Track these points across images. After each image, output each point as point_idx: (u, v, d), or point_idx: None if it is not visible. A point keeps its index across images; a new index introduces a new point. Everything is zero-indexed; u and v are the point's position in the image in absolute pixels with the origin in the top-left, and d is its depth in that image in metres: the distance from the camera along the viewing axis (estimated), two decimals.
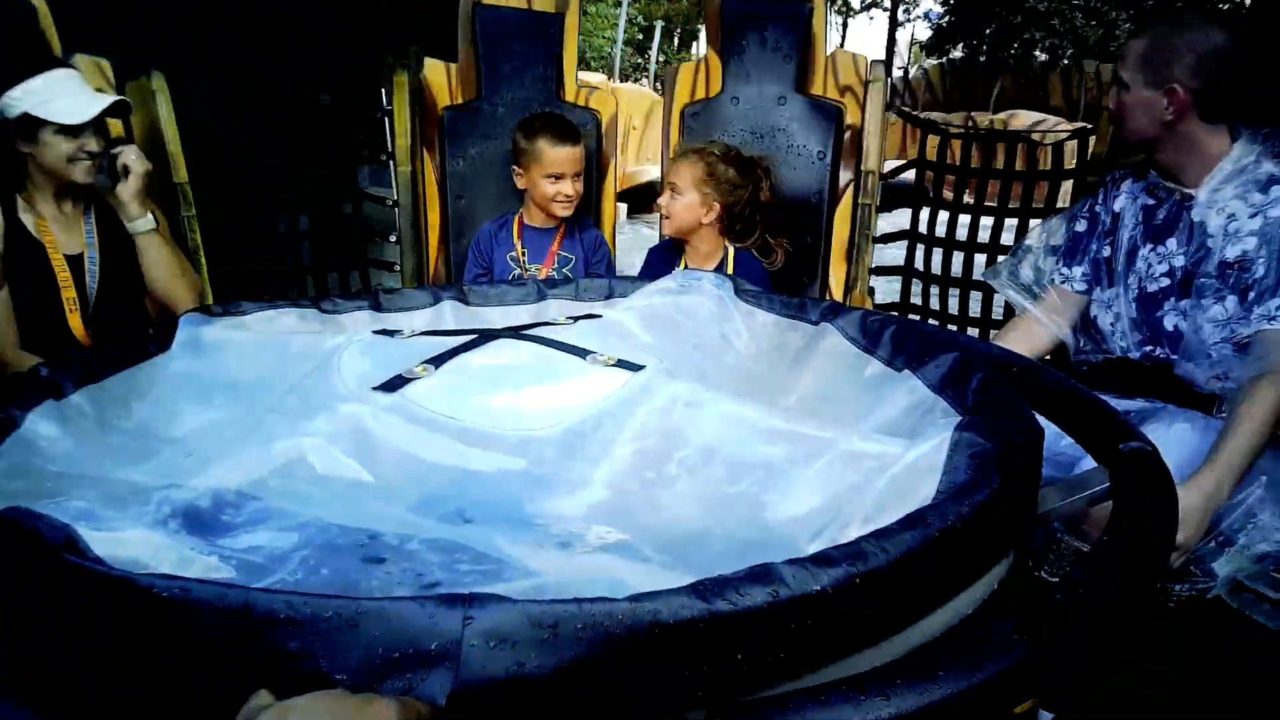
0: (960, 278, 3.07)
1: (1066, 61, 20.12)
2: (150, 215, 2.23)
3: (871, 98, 2.87)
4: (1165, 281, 1.99)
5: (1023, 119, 15.59)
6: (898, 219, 3.15)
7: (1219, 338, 1.89)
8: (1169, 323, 1.99)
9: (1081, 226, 2.18)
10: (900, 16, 25.51)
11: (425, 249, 2.98)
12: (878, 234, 3.00)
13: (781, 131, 2.94)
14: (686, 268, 2.60)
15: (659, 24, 17.50)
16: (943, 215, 3.09)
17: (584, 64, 16.05)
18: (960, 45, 22.20)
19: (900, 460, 0.96)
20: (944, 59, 21.73)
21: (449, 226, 2.97)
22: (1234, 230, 1.87)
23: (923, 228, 3.13)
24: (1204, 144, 1.92)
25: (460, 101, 2.97)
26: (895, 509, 0.88)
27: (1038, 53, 21.40)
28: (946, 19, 22.22)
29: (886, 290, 3.24)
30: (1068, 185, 2.86)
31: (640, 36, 19.46)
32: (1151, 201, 2.04)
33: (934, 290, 3.16)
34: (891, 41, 24.22)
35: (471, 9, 2.94)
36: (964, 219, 3.06)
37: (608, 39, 16.60)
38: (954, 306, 3.13)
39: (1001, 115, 16.16)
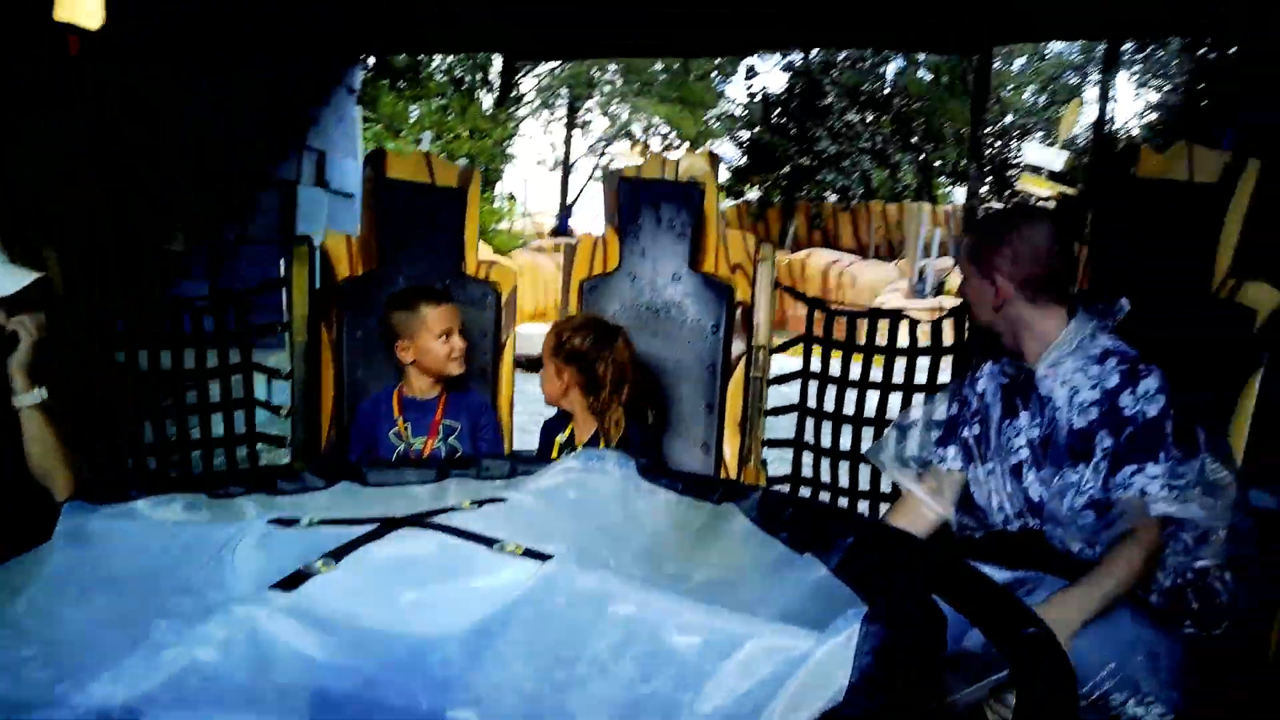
0: (849, 451, 3.15)
1: (856, 202, 22.18)
2: (36, 390, 2.13)
3: (761, 275, 3.00)
4: (1025, 453, 2.11)
5: (819, 258, 17.03)
6: (789, 391, 3.25)
7: (1080, 505, 1.99)
8: (1034, 493, 2.09)
9: (954, 409, 2.31)
10: None
11: (318, 423, 2.92)
12: (769, 407, 3.08)
13: (676, 307, 3.04)
14: (571, 436, 2.64)
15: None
16: (831, 389, 3.19)
17: None
18: (755, 187, 23.40)
19: (813, 655, 0.96)
20: (740, 199, 23.36)
21: (344, 400, 2.94)
22: (1078, 402, 2.01)
23: (812, 401, 3.23)
24: (1037, 324, 2.09)
25: (360, 273, 2.98)
26: (809, 705, 0.89)
27: (829, 194, 22.71)
28: (743, 160, 23.54)
29: (780, 461, 3.30)
30: (947, 360, 3.01)
31: None
32: (1005, 379, 2.18)
33: (825, 462, 3.24)
34: None
35: (373, 184, 2.99)
36: (851, 393, 3.17)
37: None
38: (844, 479, 3.20)
39: (799, 255, 17.82)
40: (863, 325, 3.23)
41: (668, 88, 24.90)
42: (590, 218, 28.86)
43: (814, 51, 23.92)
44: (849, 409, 3.16)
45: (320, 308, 2.93)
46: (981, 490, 2.22)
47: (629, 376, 2.61)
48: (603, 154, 26.75)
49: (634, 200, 3.05)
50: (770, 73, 30.34)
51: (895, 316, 3.11)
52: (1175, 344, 2.20)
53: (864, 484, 3.15)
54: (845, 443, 3.16)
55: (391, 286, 2.97)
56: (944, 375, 2.88)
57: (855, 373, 3.15)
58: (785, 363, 3.25)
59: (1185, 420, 1.99)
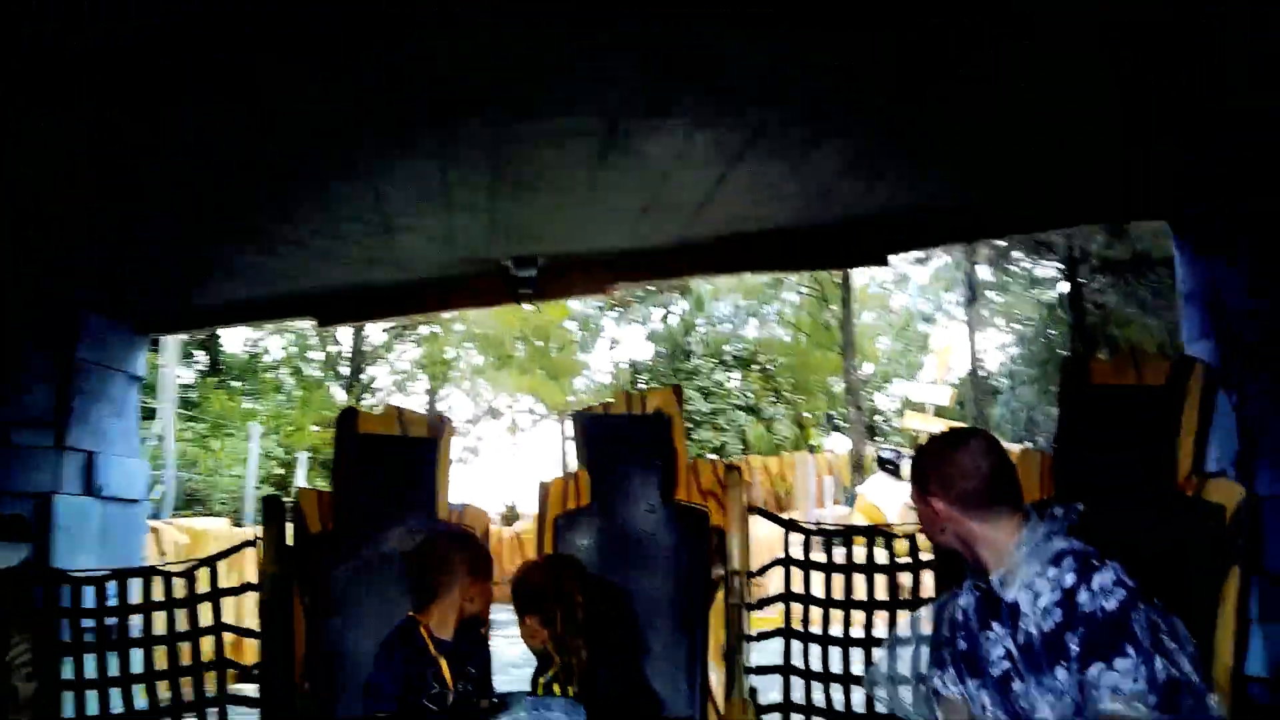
0: (841, 674, 3.08)
1: (736, 458, 21.81)
2: None
3: (731, 501, 3.03)
4: (1005, 665, 2.08)
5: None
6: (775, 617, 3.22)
7: (1061, 713, 1.94)
8: (1021, 704, 2.04)
9: (941, 629, 2.29)
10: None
11: (290, 682, 2.87)
12: (752, 633, 3.03)
13: (651, 537, 3.06)
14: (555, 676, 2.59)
15: (304, 455, 15.56)
16: (816, 612, 3.16)
17: (204, 506, 13.78)
18: None
19: None
20: None
21: (316, 658, 2.90)
22: (1041, 607, 2.00)
23: (797, 624, 3.19)
24: (987, 536, 2.11)
25: (332, 528, 3.02)
26: None
27: (707, 454, 22.52)
28: None
29: (770, 688, 3.22)
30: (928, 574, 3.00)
31: (282, 471, 16.85)
32: (978, 593, 2.18)
33: (817, 684, 3.15)
34: None
35: (345, 435, 3.08)
36: (836, 613, 3.13)
37: (236, 476, 14.37)
38: (839, 700, 3.11)
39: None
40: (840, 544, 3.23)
41: (529, 361, 24.35)
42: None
43: (674, 318, 26.04)
44: (835, 629, 3.12)
45: (295, 563, 2.94)
46: (978, 706, 2.17)
47: (579, 610, 2.58)
48: (468, 434, 26.01)
49: (602, 436, 3.13)
50: (634, 340, 30.63)
51: (871, 533, 3.13)
52: (1145, 545, 2.22)
53: (858, 706, 3.06)
54: (836, 664, 3.10)
55: (366, 538, 2.99)
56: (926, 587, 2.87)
57: (838, 592, 3.13)
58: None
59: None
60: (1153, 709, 1.83)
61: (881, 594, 3.07)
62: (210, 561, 3.05)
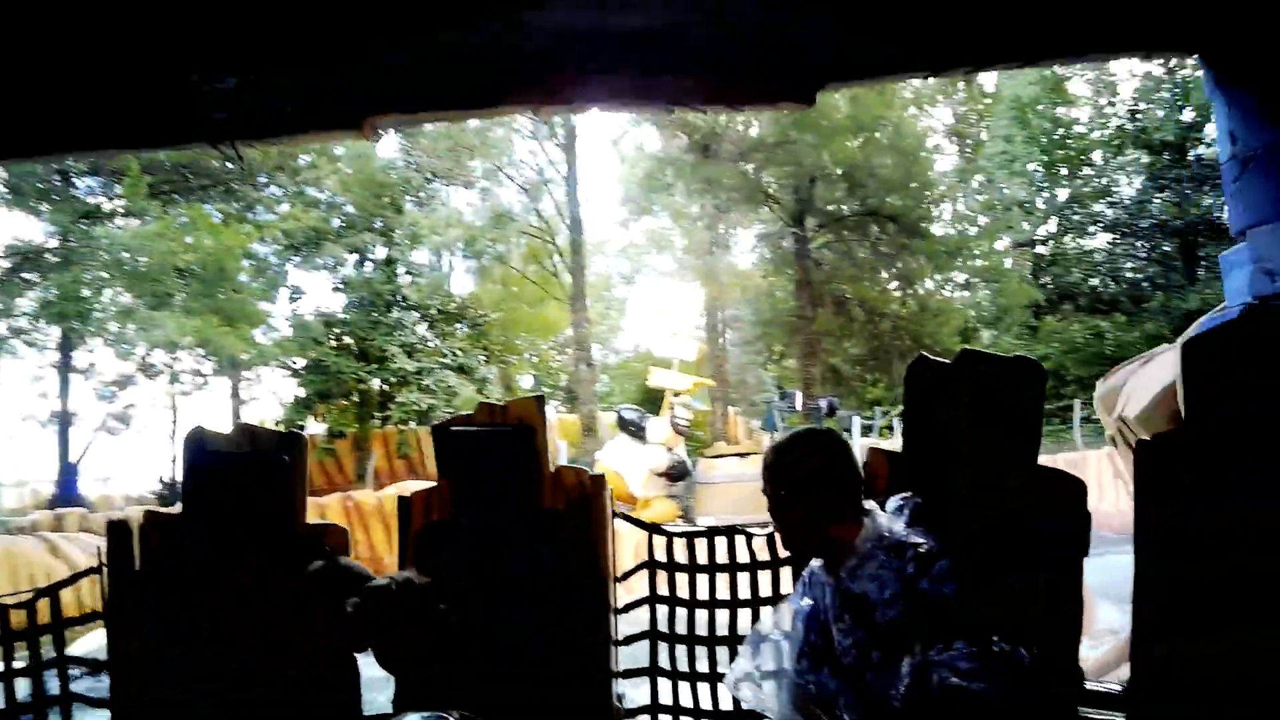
0: (707, 672, 3.17)
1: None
2: None
3: (597, 508, 3.09)
4: (855, 652, 2.21)
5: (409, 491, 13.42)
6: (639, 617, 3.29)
7: (907, 695, 2.08)
8: (872, 690, 2.17)
9: (794, 620, 2.40)
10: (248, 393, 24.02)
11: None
12: (619, 637, 3.10)
13: (514, 548, 3.08)
14: None
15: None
16: (681, 612, 3.24)
17: None
18: (320, 418, 21.71)
19: None
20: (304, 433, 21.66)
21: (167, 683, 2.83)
22: (886, 596, 2.14)
23: (663, 626, 3.27)
24: (835, 532, 2.24)
25: (178, 552, 2.94)
26: None
27: (411, 421, 21.10)
28: (301, 390, 21.77)
29: (640, 691, 3.29)
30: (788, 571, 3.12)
31: None
32: (829, 586, 2.30)
33: (685, 686, 3.24)
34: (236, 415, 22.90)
35: (196, 459, 3.01)
36: (702, 614, 3.22)
37: None
38: (705, 700, 3.20)
39: (387, 491, 13.29)
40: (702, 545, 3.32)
41: (195, 299, 19.00)
42: (98, 479, 22.41)
43: (368, 265, 23.32)
44: (701, 629, 3.21)
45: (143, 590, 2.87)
46: (832, 694, 2.28)
47: (421, 634, 2.56)
48: (114, 398, 20.63)
49: (463, 447, 3.14)
50: (324, 292, 28.41)
51: (732, 533, 3.23)
52: (996, 531, 2.39)
53: (727, 705, 3.16)
54: (703, 664, 3.19)
55: (217, 564, 2.93)
56: (786, 585, 2.99)
57: (703, 592, 3.23)
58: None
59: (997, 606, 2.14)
60: (986, 684, 1.98)
61: (744, 593, 3.17)
62: (52, 591, 2.93)
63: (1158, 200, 31.52)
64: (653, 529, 3.26)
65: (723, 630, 3.21)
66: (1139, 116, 32.01)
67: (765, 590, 3.15)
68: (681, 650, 3.25)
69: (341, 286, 22.99)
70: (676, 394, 11.70)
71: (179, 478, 3.61)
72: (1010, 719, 2.00)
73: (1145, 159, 32.01)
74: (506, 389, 25.26)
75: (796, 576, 3.01)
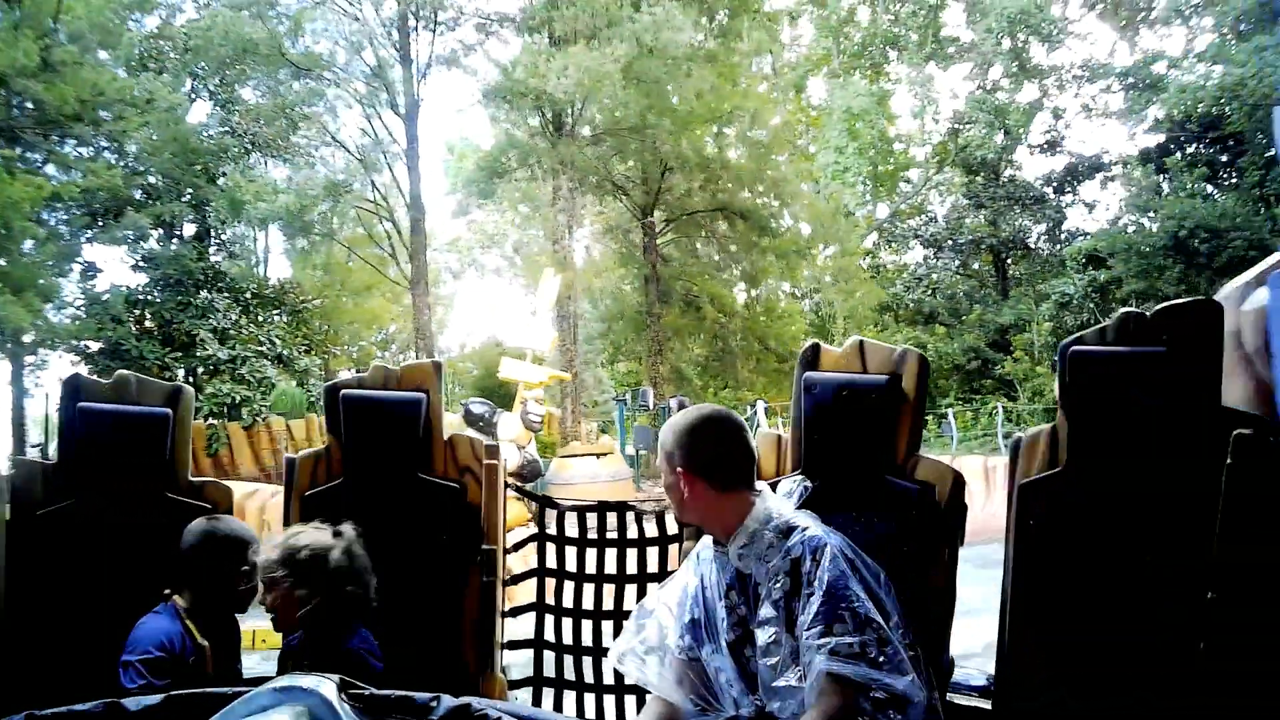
0: (592, 646, 3.23)
1: (263, 419, 19.11)
2: None
3: (490, 477, 3.10)
4: (739, 630, 2.28)
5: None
6: (525, 591, 3.32)
7: (791, 678, 2.16)
8: (753, 669, 2.25)
9: (680, 596, 2.46)
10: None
11: None
12: (506, 608, 3.12)
13: (405, 514, 3.06)
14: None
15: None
16: (569, 585, 3.28)
17: None
18: None
19: None
20: None
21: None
22: (771, 573, 2.21)
23: (550, 599, 3.30)
24: (727, 509, 2.31)
25: (57, 503, 2.85)
26: None
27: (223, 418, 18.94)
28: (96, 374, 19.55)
29: (525, 665, 3.32)
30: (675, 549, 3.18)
31: None
32: (718, 563, 2.37)
33: (569, 660, 3.28)
34: None
35: (72, 410, 2.91)
36: (589, 588, 3.27)
37: None
38: (589, 674, 3.26)
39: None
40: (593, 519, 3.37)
41: None
42: None
43: (176, 240, 21.64)
44: (588, 604, 3.26)
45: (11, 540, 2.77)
46: (714, 672, 2.35)
47: (325, 588, 2.54)
48: None
49: (356, 411, 3.11)
50: (124, 268, 24.61)
51: (623, 509, 3.28)
52: (867, 520, 2.48)
53: (609, 679, 3.22)
54: (588, 638, 3.24)
55: (85, 514, 2.85)
56: (673, 563, 3.06)
57: (590, 567, 3.27)
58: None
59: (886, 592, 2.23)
60: (865, 667, 2.07)
61: (632, 569, 3.23)
62: None
63: (973, 218, 33.27)
64: (545, 501, 3.29)
65: (609, 605, 3.26)
66: (959, 136, 33.56)
67: (653, 567, 3.22)
68: (567, 624, 3.29)
69: (145, 263, 21.10)
70: (529, 387, 10.69)
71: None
72: (883, 704, 2.10)
73: (961, 178, 33.57)
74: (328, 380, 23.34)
75: (683, 554, 3.10)
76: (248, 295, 21.61)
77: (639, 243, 26.40)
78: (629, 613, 2.70)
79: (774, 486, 2.41)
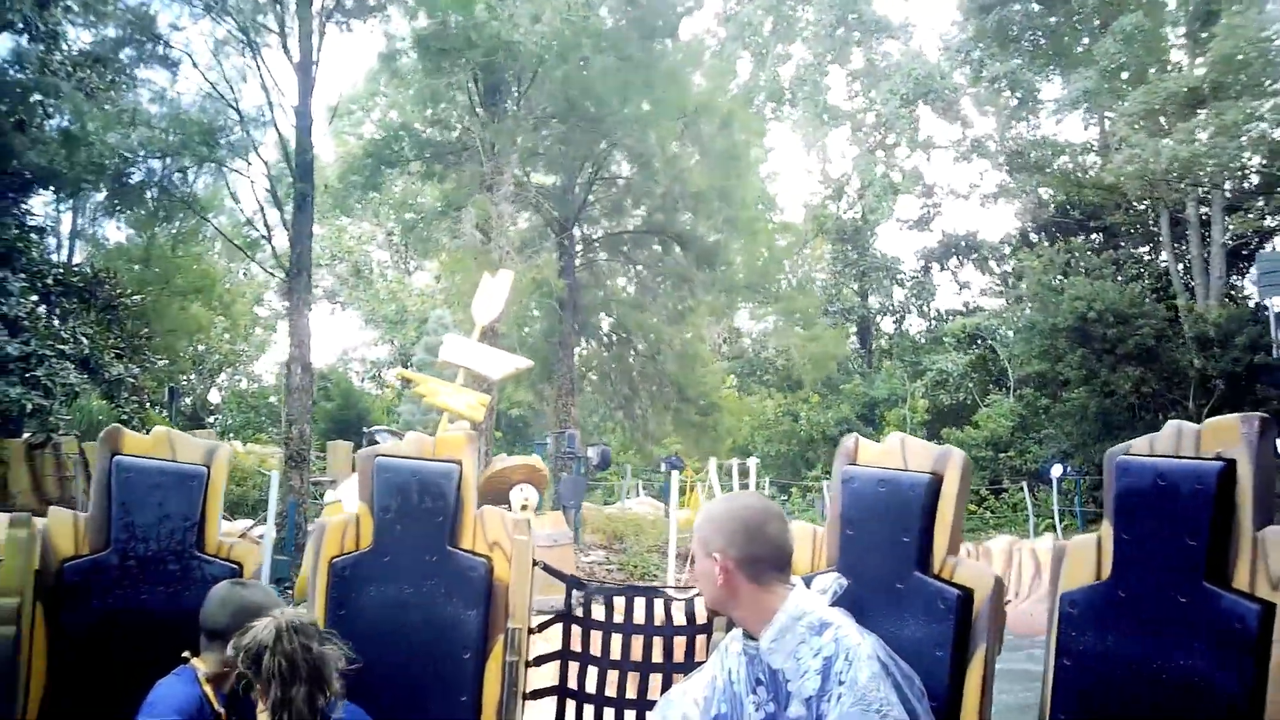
0: None
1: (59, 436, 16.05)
2: None
3: (518, 554, 3.13)
4: None
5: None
6: (547, 673, 3.32)
7: None
8: None
9: (708, 691, 2.47)
10: None
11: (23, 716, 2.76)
12: (528, 690, 3.13)
13: (431, 587, 3.10)
14: None
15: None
16: (592, 670, 3.29)
17: None
18: None
19: None
20: None
21: (53, 698, 2.79)
22: (802, 673, 2.22)
23: (573, 683, 3.30)
24: (760, 600, 2.33)
25: (86, 553, 2.92)
26: None
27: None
28: None
29: None
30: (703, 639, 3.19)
31: None
32: (746, 656, 2.38)
33: None
34: None
35: (108, 462, 2.99)
36: (613, 675, 3.27)
37: None
38: None
39: None
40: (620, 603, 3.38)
41: None
42: None
43: None
44: (611, 690, 3.26)
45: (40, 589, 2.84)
46: None
47: (301, 669, 2.49)
48: None
49: (389, 478, 3.17)
50: None
51: (652, 594, 3.30)
52: (901, 621, 2.50)
53: None
54: None
55: (122, 568, 2.92)
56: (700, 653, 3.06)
57: (615, 652, 3.28)
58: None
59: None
60: None
61: (658, 656, 3.23)
62: None
63: (845, 287, 33.32)
64: (572, 581, 3.31)
65: (632, 694, 3.26)
66: (839, 200, 33.88)
67: (679, 656, 3.22)
68: (589, 710, 3.29)
69: None
70: (454, 419, 8.05)
71: None
72: None
73: (832, 246, 33.56)
74: (137, 402, 18.63)
75: (710, 644, 3.10)
76: (50, 281, 17.51)
77: (553, 262, 22.20)
78: (653, 703, 2.70)
79: (808, 581, 2.43)
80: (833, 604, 2.37)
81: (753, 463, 14.06)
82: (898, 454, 2.75)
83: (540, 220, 24.50)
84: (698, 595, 3.18)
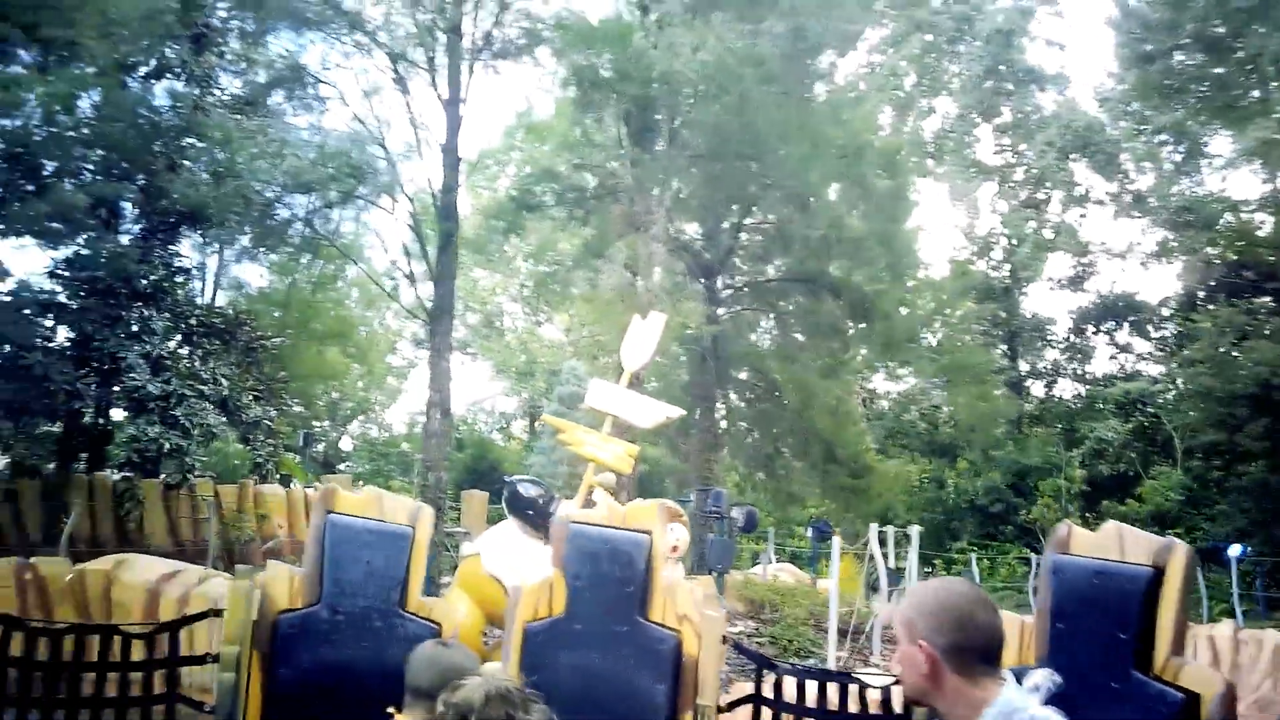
0: None
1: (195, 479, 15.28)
2: None
3: (709, 629, 3.12)
4: None
5: (141, 570, 6.95)
6: None
7: None
8: None
9: None
10: None
11: None
12: None
13: (621, 657, 3.13)
14: None
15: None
16: None
17: None
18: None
19: None
20: None
21: None
22: None
23: None
24: (966, 694, 2.20)
25: (299, 606, 3.09)
26: None
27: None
28: None
29: None
30: None
31: None
32: None
33: None
34: None
35: (323, 519, 3.18)
36: None
37: None
38: None
39: (100, 564, 7.17)
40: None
41: None
42: None
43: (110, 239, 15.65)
44: None
45: (257, 639, 3.02)
46: None
47: None
48: None
49: (582, 544, 3.23)
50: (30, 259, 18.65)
51: (845, 679, 3.21)
52: None
53: None
54: None
55: (331, 620, 3.07)
56: None
57: None
58: None
59: None
60: None
61: None
62: (172, 627, 3.11)
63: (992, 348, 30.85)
64: (763, 661, 3.27)
65: None
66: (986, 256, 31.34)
67: None
68: None
69: (66, 265, 15.40)
70: (599, 469, 7.01)
71: None
72: None
73: (974, 305, 30.63)
74: (272, 445, 17.69)
75: None
76: (192, 321, 17.17)
77: (699, 309, 20.19)
78: None
79: (1018, 676, 2.31)
80: (1045, 702, 2.24)
81: (915, 530, 13.21)
82: (1114, 544, 2.61)
83: (682, 266, 22.69)
84: (894, 684, 3.08)
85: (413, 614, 3.17)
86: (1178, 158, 29.73)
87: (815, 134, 18.97)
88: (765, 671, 3.23)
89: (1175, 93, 26.39)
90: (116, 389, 14.54)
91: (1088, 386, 31.80)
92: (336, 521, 3.22)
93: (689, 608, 3.18)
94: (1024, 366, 31.83)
